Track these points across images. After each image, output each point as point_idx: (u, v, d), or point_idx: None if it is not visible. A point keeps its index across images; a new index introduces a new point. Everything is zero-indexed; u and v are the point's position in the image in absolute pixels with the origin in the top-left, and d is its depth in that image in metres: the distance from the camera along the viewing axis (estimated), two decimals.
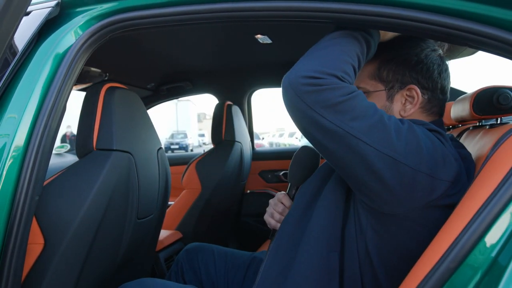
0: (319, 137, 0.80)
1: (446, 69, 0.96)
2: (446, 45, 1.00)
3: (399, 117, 0.94)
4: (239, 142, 2.22)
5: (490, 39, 0.71)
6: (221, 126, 2.17)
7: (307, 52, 0.85)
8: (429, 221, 0.80)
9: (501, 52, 0.73)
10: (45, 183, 1.02)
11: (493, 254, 0.65)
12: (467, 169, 0.85)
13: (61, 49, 0.95)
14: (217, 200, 2.10)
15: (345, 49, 0.83)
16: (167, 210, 2.06)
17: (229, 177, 2.13)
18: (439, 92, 0.95)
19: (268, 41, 1.69)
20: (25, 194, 0.85)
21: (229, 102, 2.24)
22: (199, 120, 39.28)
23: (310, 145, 1.18)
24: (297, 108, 0.79)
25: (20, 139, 0.87)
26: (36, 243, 0.98)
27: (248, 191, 2.67)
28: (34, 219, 0.96)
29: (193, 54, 2.11)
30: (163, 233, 1.92)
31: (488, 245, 0.66)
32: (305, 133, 0.83)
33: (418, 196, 0.78)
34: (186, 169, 2.11)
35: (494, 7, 0.71)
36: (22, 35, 0.97)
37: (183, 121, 32.10)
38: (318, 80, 0.77)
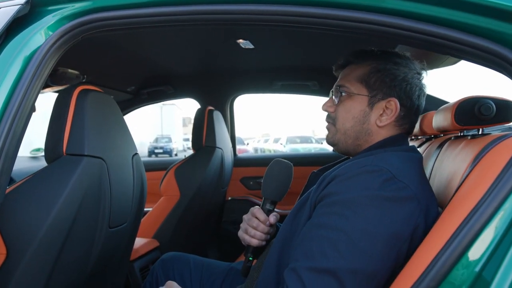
0: None
1: (424, 94, 1.00)
2: (425, 63, 1.02)
3: (374, 126, 0.96)
4: (220, 148, 2.18)
5: (475, 49, 0.70)
6: (202, 131, 2.13)
7: None
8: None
9: (484, 62, 0.71)
10: (10, 189, 0.96)
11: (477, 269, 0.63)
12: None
13: (29, 49, 0.90)
14: (196, 207, 2.05)
15: None
16: (144, 218, 2.00)
17: (209, 184, 2.08)
18: (413, 113, 0.98)
19: (250, 46, 1.67)
20: None
21: (210, 108, 2.21)
22: (184, 125, 38.85)
23: (286, 155, 1.15)
24: None
25: None
26: None
27: (229, 198, 2.63)
28: None
29: (175, 57, 2.07)
30: (139, 241, 1.86)
31: (471, 259, 0.64)
32: None
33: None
34: (165, 175, 2.06)
35: (481, 17, 0.70)
36: None
37: (168, 125, 31.74)
38: None
